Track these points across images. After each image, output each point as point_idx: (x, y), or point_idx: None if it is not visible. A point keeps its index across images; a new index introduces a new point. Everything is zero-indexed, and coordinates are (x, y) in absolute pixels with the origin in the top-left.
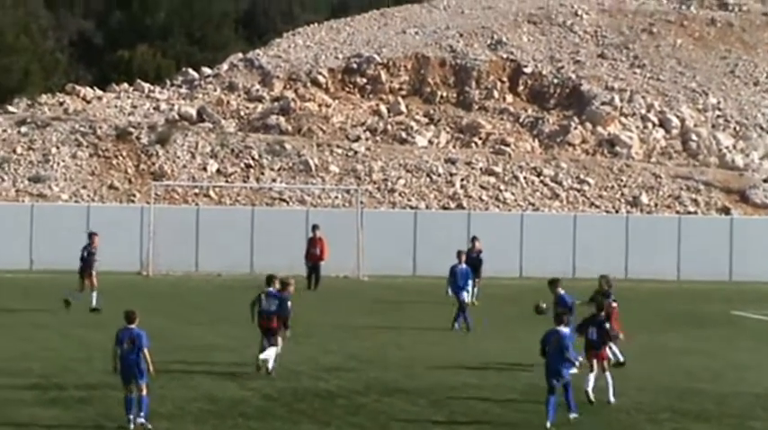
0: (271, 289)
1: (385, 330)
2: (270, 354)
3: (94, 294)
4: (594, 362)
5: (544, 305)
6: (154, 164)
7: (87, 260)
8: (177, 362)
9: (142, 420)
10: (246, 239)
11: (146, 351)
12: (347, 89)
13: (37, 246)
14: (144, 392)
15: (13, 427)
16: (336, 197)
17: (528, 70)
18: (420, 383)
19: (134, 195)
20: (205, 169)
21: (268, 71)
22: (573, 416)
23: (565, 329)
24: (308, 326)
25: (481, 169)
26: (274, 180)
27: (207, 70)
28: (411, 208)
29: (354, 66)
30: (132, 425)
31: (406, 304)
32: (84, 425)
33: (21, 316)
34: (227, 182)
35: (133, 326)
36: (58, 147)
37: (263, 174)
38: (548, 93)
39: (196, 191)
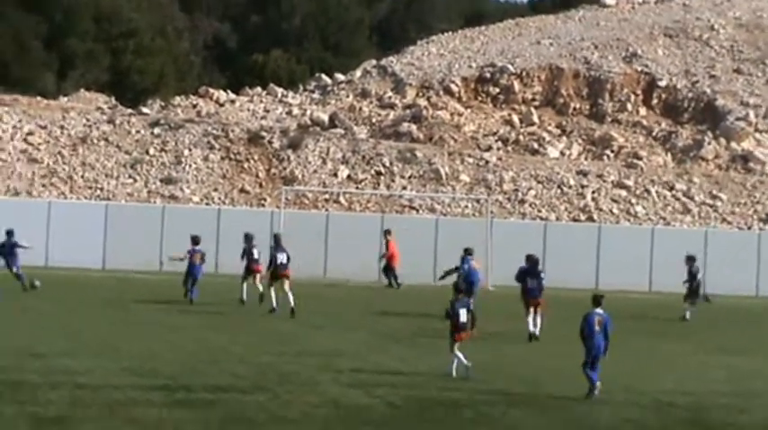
0: None
1: (509, 341)
2: None
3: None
4: None
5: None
6: (285, 168)
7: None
8: (303, 367)
9: None
10: (376, 246)
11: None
12: (480, 98)
13: (167, 248)
14: None
15: (140, 427)
16: (466, 206)
17: (662, 84)
18: (547, 395)
19: (264, 199)
20: (336, 175)
21: (401, 78)
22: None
23: None
24: (429, 335)
25: (613, 182)
26: (405, 187)
27: (340, 76)
28: (541, 219)
29: (488, 75)
30: None
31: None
32: (210, 427)
33: (149, 316)
34: (357, 188)
35: None
36: (190, 150)
37: (393, 181)
38: (682, 107)
39: (326, 196)
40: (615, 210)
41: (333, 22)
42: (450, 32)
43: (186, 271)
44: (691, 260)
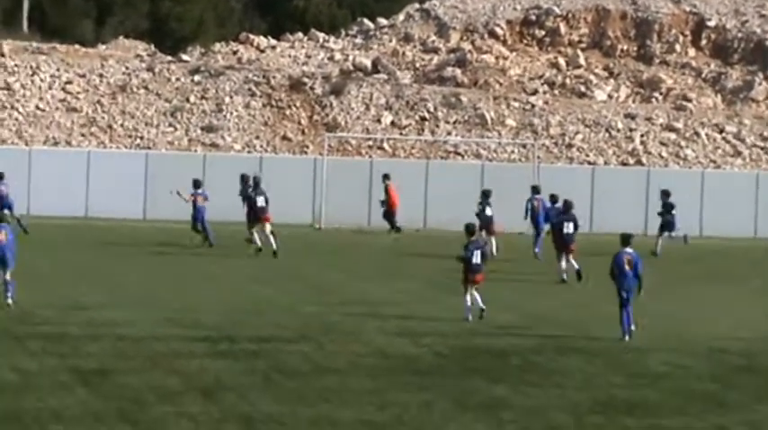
0: None
1: (556, 287)
2: None
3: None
4: None
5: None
6: (327, 115)
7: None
8: (348, 316)
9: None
10: (420, 193)
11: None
12: (525, 41)
13: (210, 197)
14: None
15: (183, 378)
16: (512, 151)
17: (711, 24)
18: (595, 341)
19: (307, 146)
20: (379, 121)
21: (444, 22)
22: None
23: None
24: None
25: (661, 125)
26: (449, 133)
27: (382, 20)
28: (589, 163)
29: (533, 17)
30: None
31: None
32: (254, 377)
33: (190, 267)
34: (401, 134)
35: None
36: (231, 97)
37: (437, 126)
38: (731, 47)
39: (370, 143)
40: (664, 154)
41: None
42: None
43: (193, 215)
44: (665, 195)
